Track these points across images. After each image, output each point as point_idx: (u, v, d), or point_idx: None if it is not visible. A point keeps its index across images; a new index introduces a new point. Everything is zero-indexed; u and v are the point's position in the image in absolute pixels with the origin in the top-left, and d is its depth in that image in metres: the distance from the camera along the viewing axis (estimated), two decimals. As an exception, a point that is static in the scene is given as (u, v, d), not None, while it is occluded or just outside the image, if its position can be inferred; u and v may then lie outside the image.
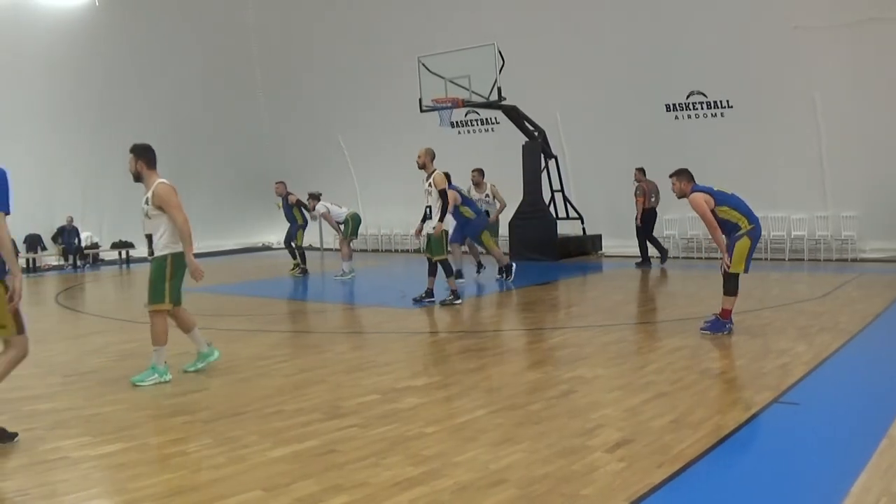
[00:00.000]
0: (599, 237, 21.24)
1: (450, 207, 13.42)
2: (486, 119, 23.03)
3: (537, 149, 20.09)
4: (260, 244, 28.45)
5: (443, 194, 12.33)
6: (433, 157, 12.53)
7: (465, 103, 19.29)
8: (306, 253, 18.68)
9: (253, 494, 4.68)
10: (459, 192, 14.88)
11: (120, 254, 24.32)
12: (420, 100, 19.59)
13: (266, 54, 27.12)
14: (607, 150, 20.25)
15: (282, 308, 13.99)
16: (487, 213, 15.72)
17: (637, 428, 5.80)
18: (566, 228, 20.92)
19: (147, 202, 7.85)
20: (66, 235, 22.96)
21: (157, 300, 7.90)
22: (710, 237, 18.80)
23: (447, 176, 14.00)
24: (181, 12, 24.44)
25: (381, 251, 25.36)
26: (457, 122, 22.06)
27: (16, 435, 5.84)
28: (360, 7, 24.20)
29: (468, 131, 23.41)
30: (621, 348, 9.01)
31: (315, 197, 17.79)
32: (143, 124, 23.44)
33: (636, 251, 18.71)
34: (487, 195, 15.59)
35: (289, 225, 18.54)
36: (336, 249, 20.80)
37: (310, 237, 25.24)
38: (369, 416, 6.33)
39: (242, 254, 26.11)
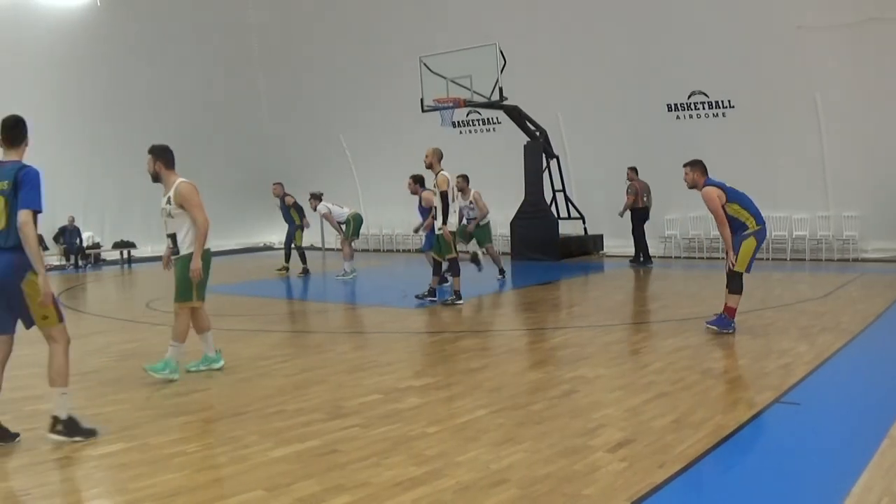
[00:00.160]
0: (601, 237, 21.24)
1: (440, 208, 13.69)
2: (488, 119, 23.03)
3: (539, 149, 20.09)
4: (261, 244, 28.47)
5: (443, 196, 12.32)
6: (440, 157, 12.49)
7: (467, 103, 19.30)
8: (307, 253, 18.68)
9: (254, 494, 4.68)
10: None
11: (121, 254, 24.32)
12: (422, 100, 19.60)
13: (267, 54, 27.13)
14: (609, 150, 20.25)
15: (283, 308, 13.99)
16: (471, 220, 15.66)
17: (638, 428, 5.80)
18: (567, 228, 20.92)
19: (169, 202, 7.89)
20: (68, 235, 22.97)
21: (185, 297, 7.96)
22: (710, 237, 19.13)
23: (422, 179, 14.16)
24: (182, 12, 24.46)
25: (383, 251, 25.37)
26: (458, 122, 22.04)
27: (17, 435, 5.85)
28: (361, 7, 24.20)
29: (469, 131, 23.41)
30: (623, 348, 9.01)
31: (317, 197, 17.80)
32: (144, 124, 23.48)
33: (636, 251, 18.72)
34: (471, 202, 15.49)
35: (287, 226, 18.58)
36: (337, 249, 20.83)
37: (311, 237, 25.32)
38: (371, 415, 6.33)
39: (243, 254, 26.11)
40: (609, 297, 14.02)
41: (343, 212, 17.39)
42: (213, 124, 25.58)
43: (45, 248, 22.25)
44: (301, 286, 16.92)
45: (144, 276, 20.34)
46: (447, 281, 14.12)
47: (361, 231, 18.16)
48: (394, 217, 24.91)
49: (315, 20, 25.29)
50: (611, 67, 20.03)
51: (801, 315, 10.34)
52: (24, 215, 5.60)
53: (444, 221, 12.40)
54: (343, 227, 17.29)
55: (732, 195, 9.43)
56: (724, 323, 9.51)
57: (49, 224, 22.36)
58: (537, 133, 20.19)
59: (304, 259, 18.31)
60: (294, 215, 18.23)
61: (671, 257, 20.00)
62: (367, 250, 25.17)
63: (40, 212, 5.73)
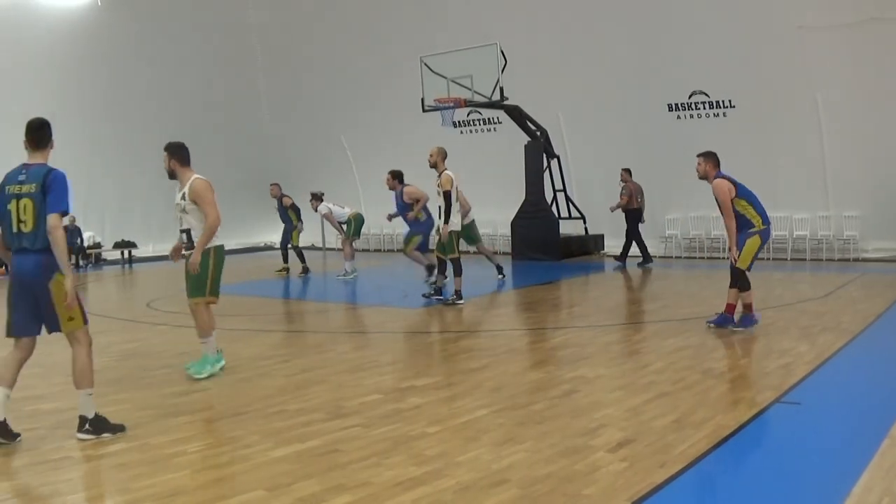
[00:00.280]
0: (602, 237, 21.23)
1: (420, 206, 14.19)
2: (489, 119, 23.03)
3: (539, 148, 20.09)
4: (262, 244, 28.47)
5: (447, 195, 12.33)
6: (445, 156, 12.53)
7: (468, 103, 19.30)
8: (304, 253, 18.68)
9: (255, 494, 4.69)
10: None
11: (122, 254, 24.32)
12: (422, 100, 19.60)
13: (267, 54, 27.13)
14: (609, 149, 20.23)
15: (283, 308, 14.00)
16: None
17: (639, 428, 5.80)
18: (568, 228, 20.91)
19: (184, 198, 7.93)
20: (69, 235, 22.66)
21: (199, 293, 8.01)
22: (711, 237, 19.13)
23: (401, 174, 14.47)
24: (183, 12, 24.46)
25: (384, 251, 25.37)
26: (459, 122, 22.05)
27: (18, 435, 5.85)
28: (362, 7, 24.20)
29: (470, 131, 23.41)
30: (623, 348, 9.01)
31: (318, 197, 17.80)
32: (145, 124, 23.53)
33: (638, 252, 18.72)
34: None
35: (283, 225, 18.61)
36: (338, 249, 20.83)
37: (312, 237, 25.32)
38: (371, 415, 6.33)
39: (244, 253, 26.10)
40: (610, 296, 14.02)
41: (344, 212, 17.41)
42: (213, 124, 25.58)
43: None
44: (302, 286, 16.93)
45: (145, 275, 20.34)
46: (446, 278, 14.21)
47: (362, 231, 18.17)
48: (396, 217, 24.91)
49: (315, 20, 25.30)
50: (611, 67, 20.03)
51: (801, 315, 10.34)
52: (53, 219, 5.71)
53: (447, 220, 12.41)
54: (344, 227, 17.30)
55: (742, 191, 9.49)
56: (748, 321, 9.59)
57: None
58: (538, 133, 20.19)
59: (302, 258, 18.33)
60: (291, 215, 18.24)
61: (672, 257, 20.00)
62: (368, 250, 25.18)
63: (67, 213, 5.86)
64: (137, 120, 23.44)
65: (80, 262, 22.94)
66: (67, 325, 5.90)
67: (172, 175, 8.08)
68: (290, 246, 18.38)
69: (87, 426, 5.88)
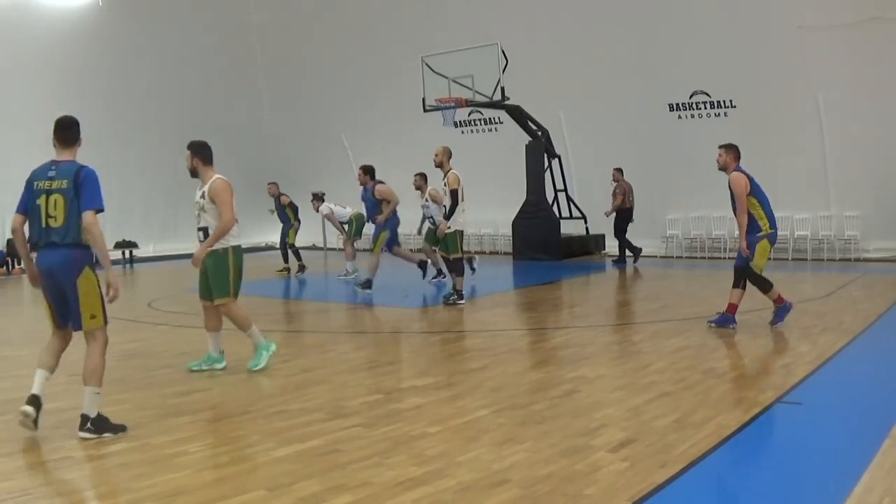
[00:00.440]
0: (602, 237, 21.22)
1: (390, 209, 14.25)
2: (490, 119, 23.03)
3: (541, 148, 20.09)
4: (263, 244, 28.45)
5: (454, 194, 12.34)
6: (450, 155, 12.59)
7: (469, 103, 19.31)
8: (301, 252, 18.68)
9: (256, 494, 4.69)
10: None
11: (123, 253, 24.29)
12: (423, 99, 19.60)
13: (268, 54, 27.12)
14: (610, 149, 20.21)
15: (284, 308, 14.00)
16: (432, 218, 15.53)
17: (640, 428, 5.80)
18: (569, 228, 20.91)
19: (203, 196, 8.02)
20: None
21: (224, 294, 8.07)
22: (712, 237, 19.13)
23: (373, 169, 14.50)
24: (184, 12, 24.45)
25: (384, 251, 25.31)
26: (460, 122, 22.05)
27: (38, 418, 5.93)
28: (362, 7, 24.19)
29: (471, 131, 23.41)
30: (624, 348, 9.01)
31: (319, 197, 17.79)
32: (145, 124, 23.53)
33: (633, 251, 18.77)
34: (426, 199, 15.37)
35: (282, 225, 18.61)
36: (339, 249, 20.82)
37: (313, 237, 25.32)
38: (372, 415, 6.33)
39: (245, 253, 26.05)
40: (610, 296, 14.03)
41: (345, 212, 17.41)
42: (213, 124, 25.37)
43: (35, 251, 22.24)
44: (302, 286, 16.92)
45: (146, 275, 20.33)
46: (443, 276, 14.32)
47: (363, 231, 18.16)
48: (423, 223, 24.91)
49: (316, 20, 25.29)
50: (612, 67, 20.02)
51: (802, 315, 10.33)
52: (89, 216, 5.84)
53: (448, 218, 12.40)
54: (345, 227, 17.31)
55: (756, 190, 9.56)
56: (781, 314, 9.68)
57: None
58: (539, 133, 20.19)
59: (298, 257, 18.35)
60: (289, 214, 18.24)
61: (673, 257, 20.00)
62: (369, 250, 25.12)
63: (102, 210, 5.97)
64: (138, 120, 23.45)
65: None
66: (89, 322, 5.99)
67: (194, 174, 8.17)
68: (287, 244, 18.39)
69: (88, 425, 5.89)
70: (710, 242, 19.67)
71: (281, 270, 18.39)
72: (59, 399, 7.15)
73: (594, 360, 8.39)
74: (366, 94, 24.66)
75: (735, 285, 9.78)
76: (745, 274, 9.68)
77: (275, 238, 22.14)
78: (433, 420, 6.16)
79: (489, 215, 21.94)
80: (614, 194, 18.45)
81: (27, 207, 6.02)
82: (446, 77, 19.34)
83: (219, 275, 8.00)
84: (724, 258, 19.10)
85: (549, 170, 20.41)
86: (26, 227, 6.10)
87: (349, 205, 17.84)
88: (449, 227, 12.49)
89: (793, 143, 18.22)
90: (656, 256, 20.15)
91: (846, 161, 17.70)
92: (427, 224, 14.89)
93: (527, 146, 20.18)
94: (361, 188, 15.30)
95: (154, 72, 24.12)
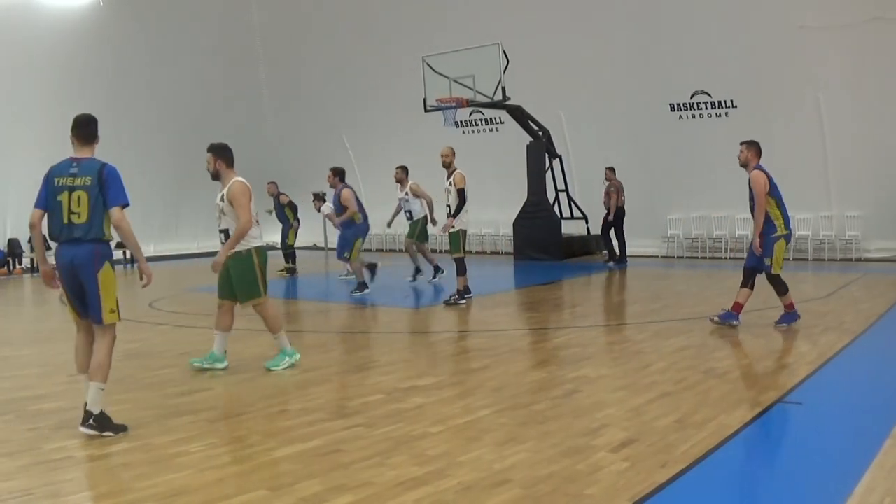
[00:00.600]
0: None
1: (347, 216, 14.10)
2: (491, 119, 23.03)
3: (542, 148, 20.09)
4: (264, 244, 28.49)
5: (461, 193, 12.37)
6: (454, 155, 12.69)
7: (470, 103, 19.31)
8: (301, 251, 18.68)
9: (257, 494, 4.69)
10: (354, 191, 14.75)
11: (124, 253, 24.22)
12: (424, 99, 19.61)
13: (269, 53, 27.13)
14: (611, 149, 20.22)
15: (285, 308, 13.98)
16: (410, 213, 15.55)
17: (641, 428, 5.80)
18: (570, 228, 20.91)
19: (222, 199, 8.04)
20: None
21: (255, 294, 8.15)
22: (713, 237, 19.13)
23: (343, 172, 14.42)
24: (185, 12, 24.46)
25: (386, 251, 25.35)
26: (461, 122, 22.07)
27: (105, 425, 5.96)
28: (364, 7, 24.20)
29: (472, 131, 23.41)
30: (625, 348, 9.00)
31: (320, 197, 17.78)
32: (146, 124, 23.53)
33: (640, 251, 18.78)
34: (406, 193, 15.39)
35: (281, 225, 18.60)
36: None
37: (314, 237, 25.33)
38: (374, 415, 6.33)
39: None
40: (611, 296, 14.03)
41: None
42: (214, 124, 25.44)
43: (49, 249, 22.22)
44: (303, 287, 16.91)
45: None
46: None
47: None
48: (398, 216, 24.89)
49: (317, 20, 25.30)
50: (613, 67, 20.03)
51: (803, 315, 10.32)
52: (117, 213, 6.01)
53: (454, 216, 12.42)
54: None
55: (774, 190, 9.65)
56: (789, 318, 9.76)
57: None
58: (540, 133, 20.19)
59: (293, 259, 18.37)
60: (289, 214, 18.24)
61: (674, 257, 20.00)
62: (370, 250, 25.15)
63: (128, 205, 6.10)
64: (139, 119, 23.45)
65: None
66: (109, 316, 6.09)
67: (216, 176, 8.17)
68: (286, 244, 18.41)
69: (91, 421, 5.91)
70: (710, 242, 19.68)
71: (282, 270, 18.40)
72: (60, 399, 7.17)
73: (595, 360, 8.39)
74: (366, 93, 24.68)
75: (744, 285, 9.81)
76: (755, 274, 9.72)
77: (275, 238, 22.14)
78: (434, 420, 6.16)
79: (490, 215, 21.94)
80: (608, 193, 18.54)
81: (47, 203, 6.06)
82: (447, 77, 19.34)
83: (245, 277, 8.06)
84: (725, 258, 19.13)
85: (550, 170, 20.42)
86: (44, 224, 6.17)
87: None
88: (453, 227, 12.51)
89: (794, 143, 18.21)
90: (657, 256, 20.15)
91: (847, 161, 17.70)
92: (405, 218, 15.03)
93: (528, 146, 20.18)
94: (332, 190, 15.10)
95: (154, 71, 24.13)
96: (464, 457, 5.25)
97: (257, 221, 8.39)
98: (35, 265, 21.61)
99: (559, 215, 20.51)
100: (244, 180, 8.07)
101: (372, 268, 14.85)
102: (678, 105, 19.78)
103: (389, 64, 23.54)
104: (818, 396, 6.81)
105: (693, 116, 19.67)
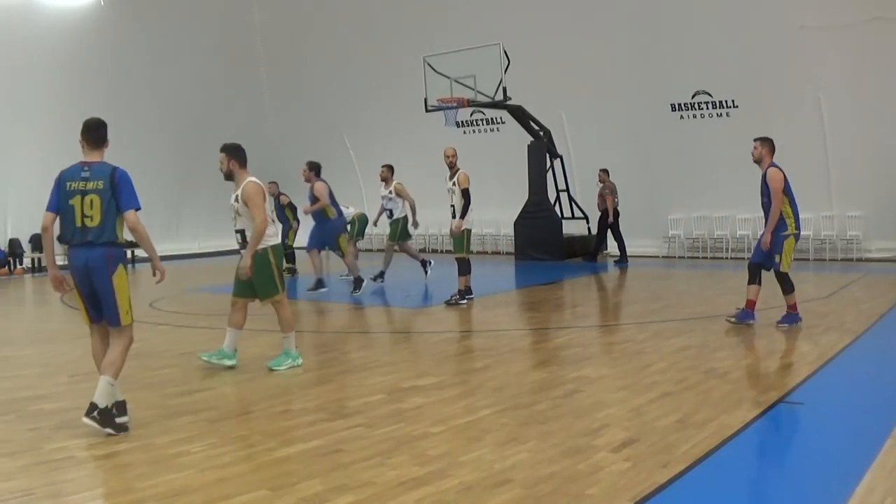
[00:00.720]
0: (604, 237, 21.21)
1: (316, 207, 14.12)
2: (492, 119, 23.03)
3: (543, 148, 20.09)
4: (280, 242, 28.46)
5: (465, 193, 12.39)
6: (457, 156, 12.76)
7: (471, 103, 19.31)
8: (296, 253, 18.65)
9: (258, 494, 4.69)
10: (329, 187, 14.76)
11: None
12: (425, 99, 19.61)
13: (271, 53, 27.13)
14: (612, 149, 20.22)
15: (287, 308, 13.97)
16: (391, 212, 15.55)
17: (642, 428, 5.80)
18: (571, 228, 20.90)
19: (237, 199, 8.10)
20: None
21: (272, 292, 8.22)
22: (714, 237, 19.13)
23: (318, 167, 14.40)
24: (187, 12, 24.45)
25: (375, 251, 25.32)
26: (462, 122, 22.06)
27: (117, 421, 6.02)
28: (365, 7, 24.19)
29: (473, 131, 23.40)
30: (626, 348, 9.00)
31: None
32: (149, 124, 23.53)
33: (641, 251, 18.76)
34: (390, 191, 15.41)
35: (280, 226, 18.59)
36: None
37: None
38: (375, 415, 6.33)
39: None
40: (612, 296, 14.03)
41: (348, 212, 17.39)
42: (215, 123, 25.51)
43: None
44: (304, 286, 16.89)
45: (147, 275, 20.18)
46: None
47: (366, 231, 18.15)
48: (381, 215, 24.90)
49: (318, 19, 25.29)
50: (614, 67, 20.02)
51: (804, 315, 10.31)
52: (132, 216, 6.14)
53: (462, 216, 12.44)
54: (348, 227, 17.29)
55: (788, 189, 9.61)
56: (792, 318, 9.73)
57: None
58: (541, 133, 20.19)
59: (292, 259, 18.36)
60: (288, 214, 18.24)
61: (675, 257, 19.99)
62: (371, 250, 25.15)
63: (140, 209, 6.24)
64: (139, 119, 23.44)
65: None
66: (126, 317, 6.19)
67: (229, 176, 8.23)
68: (285, 244, 18.39)
69: (95, 413, 5.92)
70: (711, 242, 19.67)
71: (283, 270, 18.35)
72: (61, 399, 7.17)
73: (596, 360, 8.40)
74: (368, 93, 24.67)
75: (751, 282, 9.84)
76: (760, 270, 9.74)
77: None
78: (435, 420, 6.16)
79: (491, 215, 21.93)
80: (602, 195, 18.66)
81: (58, 207, 6.12)
82: (448, 77, 19.34)
83: (264, 275, 8.12)
84: (726, 258, 19.13)
85: (550, 170, 20.42)
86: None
87: (351, 205, 17.85)
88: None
89: (794, 143, 18.15)
90: (658, 256, 20.14)
91: (848, 161, 17.69)
92: (385, 217, 15.13)
93: (529, 146, 20.18)
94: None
95: (155, 71, 24.11)
96: (465, 457, 5.26)
97: (273, 220, 8.46)
98: (36, 265, 21.66)
99: (560, 215, 20.50)
100: (257, 180, 8.15)
101: (358, 282, 14.76)
102: (679, 105, 19.77)
103: (390, 64, 23.53)
104: (819, 396, 6.81)
105: (694, 116, 19.66)
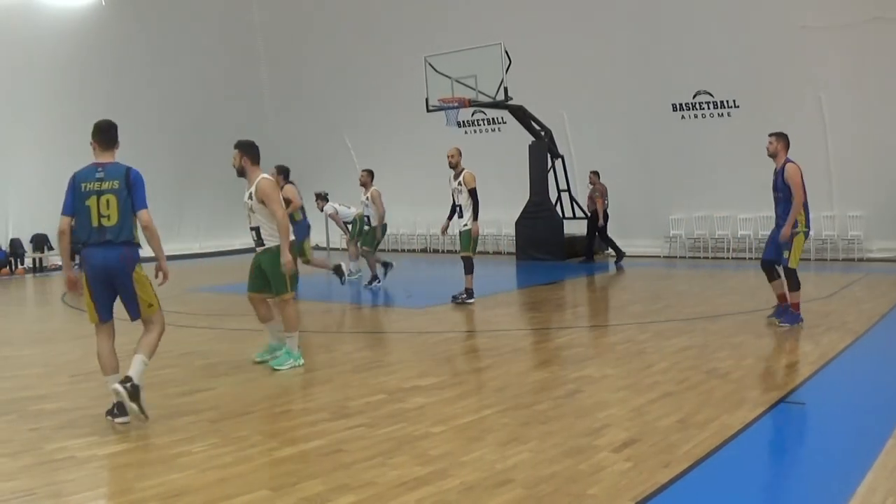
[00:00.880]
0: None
1: (293, 208, 13.60)
2: (493, 119, 23.01)
3: (544, 148, 20.09)
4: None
5: (472, 193, 12.42)
6: (461, 155, 12.77)
7: (472, 103, 19.31)
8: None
9: (259, 494, 4.69)
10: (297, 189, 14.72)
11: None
12: (426, 99, 19.60)
13: (271, 53, 27.12)
14: (614, 149, 20.22)
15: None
16: (368, 218, 15.54)
17: (643, 428, 5.79)
18: (572, 228, 20.89)
19: (251, 197, 8.12)
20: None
21: (282, 290, 8.26)
22: (715, 237, 19.12)
23: (287, 170, 14.13)
24: (187, 12, 24.46)
25: (388, 251, 25.33)
26: (463, 122, 22.05)
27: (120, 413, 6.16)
28: (366, 6, 24.19)
29: (475, 131, 23.38)
30: (627, 348, 8.99)
31: (322, 197, 17.79)
32: (149, 124, 23.50)
33: (643, 251, 18.75)
34: (367, 197, 15.41)
35: None
36: (343, 249, 20.82)
37: (317, 237, 25.29)
38: (376, 415, 6.33)
39: (249, 253, 26.03)
40: (614, 297, 14.02)
41: (350, 212, 17.42)
42: (215, 123, 25.54)
43: (51, 249, 22.25)
44: (305, 286, 16.88)
45: (149, 275, 20.20)
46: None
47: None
48: (398, 217, 24.91)
49: (319, 19, 25.28)
50: (616, 67, 20.01)
51: (806, 315, 10.30)
52: (146, 215, 6.34)
53: (476, 217, 12.51)
54: (349, 227, 17.31)
55: (802, 185, 9.56)
56: (793, 318, 9.73)
57: (54, 224, 22.24)
58: (542, 133, 20.19)
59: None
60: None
61: (676, 257, 19.98)
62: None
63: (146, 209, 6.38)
64: (140, 119, 23.37)
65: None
66: (147, 311, 6.46)
67: (241, 173, 8.26)
68: None
69: (128, 384, 6.12)
70: (713, 242, 19.66)
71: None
72: (61, 399, 7.18)
73: (597, 360, 8.39)
74: (368, 93, 24.67)
75: (771, 279, 9.91)
76: (774, 266, 9.76)
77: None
78: (437, 420, 6.16)
79: (492, 215, 21.87)
80: (592, 197, 18.75)
81: (74, 209, 6.26)
82: (449, 77, 19.34)
83: (276, 272, 8.16)
84: (728, 258, 19.12)
85: (552, 170, 20.41)
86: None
87: (352, 205, 17.84)
88: (466, 226, 12.61)
89: (795, 143, 18.00)
90: (659, 256, 20.13)
91: (849, 161, 17.68)
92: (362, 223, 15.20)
93: (530, 146, 20.18)
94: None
95: (155, 71, 24.10)
96: (466, 457, 5.25)
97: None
98: (37, 265, 21.67)
99: (561, 215, 20.50)
100: (270, 177, 8.16)
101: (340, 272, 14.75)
102: (680, 105, 19.76)
103: (391, 64, 23.53)
104: (821, 396, 6.81)
105: (695, 116, 19.65)
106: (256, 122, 27.16)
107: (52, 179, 21.57)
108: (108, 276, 6.25)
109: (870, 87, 17.15)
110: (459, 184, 12.57)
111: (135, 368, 6.23)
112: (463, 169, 12.58)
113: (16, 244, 21.43)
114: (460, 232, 12.80)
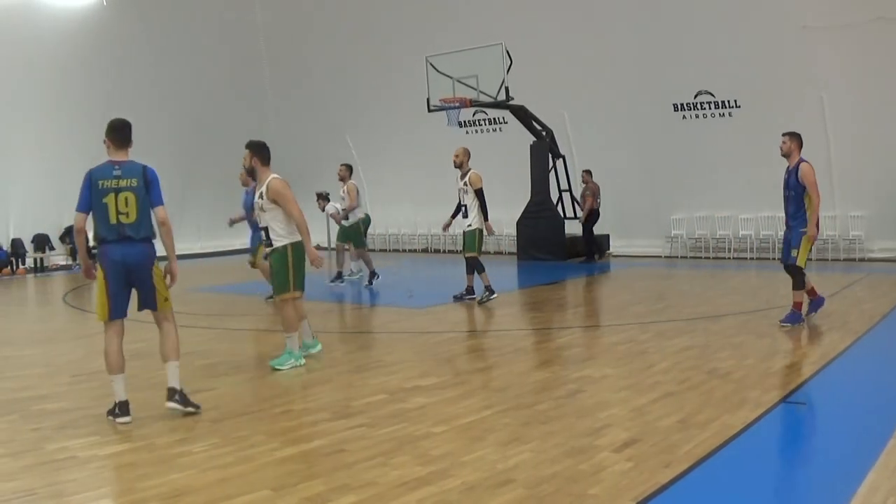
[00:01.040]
0: (607, 237, 21.14)
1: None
2: (494, 119, 23.00)
3: (545, 148, 20.08)
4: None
5: (479, 193, 12.45)
6: (469, 156, 12.83)
7: (473, 103, 19.30)
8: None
9: (260, 494, 4.69)
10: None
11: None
12: (428, 100, 19.60)
13: (273, 53, 27.12)
14: (615, 149, 20.22)
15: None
16: (348, 214, 15.58)
17: (644, 428, 5.79)
18: (574, 228, 20.88)
19: (261, 196, 8.15)
20: (76, 235, 22.92)
21: (283, 290, 8.28)
22: (716, 237, 19.11)
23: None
24: (188, 12, 24.46)
25: (389, 251, 25.36)
26: (465, 122, 22.03)
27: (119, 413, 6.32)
28: (367, 6, 24.19)
29: (476, 131, 23.36)
30: (629, 348, 8.99)
31: (324, 197, 17.76)
32: (151, 124, 23.45)
33: (644, 251, 18.72)
34: (344, 190, 15.47)
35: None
36: (344, 249, 20.79)
37: (317, 237, 25.29)
38: (377, 415, 6.33)
39: (249, 253, 26.07)
40: (615, 296, 14.01)
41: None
42: (217, 123, 25.57)
43: (52, 249, 22.28)
44: (306, 286, 16.87)
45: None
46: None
47: (368, 231, 18.14)
48: (400, 217, 24.93)
49: (320, 20, 25.28)
50: (617, 67, 20.00)
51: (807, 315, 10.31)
52: (163, 212, 6.46)
53: (486, 217, 12.65)
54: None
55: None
56: (795, 317, 9.76)
57: (55, 223, 22.37)
58: (543, 133, 20.18)
59: None
60: None
61: (677, 257, 19.97)
62: (373, 250, 25.12)
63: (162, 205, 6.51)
64: (141, 119, 23.22)
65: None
66: (164, 305, 6.64)
67: (251, 173, 8.39)
68: None
69: (176, 397, 6.39)
70: (714, 242, 19.65)
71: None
72: (62, 399, 7.18)
73: (598, 360, 8.39)
74: (370, 93, 24.67)
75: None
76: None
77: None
78: (438, 420, 6.16)
79: (493, 215, 21.56)
80: (584, 196, 18.75)
81: (90, 206, 6.34)
82: (450, 77, 19.33)
83: (279, 271, 8.22)
84: (729, 258, 19.11)
85: (553, 170, 20.41)
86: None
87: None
88: (470, 226, 12.71)
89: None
90: (660, 256, 20.11)
91: (850, 161, 17.66)
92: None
93: (531, 146, 20.17)
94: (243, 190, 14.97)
95: (157, 71, 24.11)
96: (467, 457, 5.26)
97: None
98: (38, 265, 21.68)
99: (562, 215, 20.49)
100: (280, 177, 8.22)
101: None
102: (681, 105, 19.74)
103: (392, 64, 23.53)
104: (822, 396, 6.81)
105: (696, 116, 19.63)
106: (258, 123, 27.18)
107: (52, 180, 21.74)
108: (128, 271, 6.37)
109: (871, 87, 17.14)
110: (465, 184, 12.61)
111: (173, 377, 6.49)
112: (469, 169, 12.62)
113: (17, 244, 21.44)
114: (464, 232, 12.83)
